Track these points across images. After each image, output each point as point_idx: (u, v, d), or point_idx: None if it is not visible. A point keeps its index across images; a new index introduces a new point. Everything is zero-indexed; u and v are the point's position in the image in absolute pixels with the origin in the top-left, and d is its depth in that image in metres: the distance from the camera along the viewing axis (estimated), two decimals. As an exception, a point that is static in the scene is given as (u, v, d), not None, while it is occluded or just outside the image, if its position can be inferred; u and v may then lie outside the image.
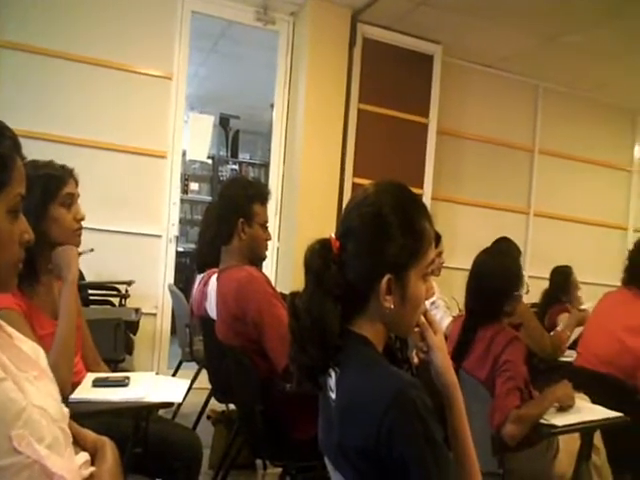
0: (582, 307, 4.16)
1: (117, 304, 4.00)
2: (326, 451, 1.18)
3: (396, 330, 1.20)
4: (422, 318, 1.18)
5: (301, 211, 4.40)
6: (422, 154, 4.96)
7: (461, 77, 5.30)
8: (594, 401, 2.40)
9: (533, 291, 3.57)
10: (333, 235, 1.14)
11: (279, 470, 2.24)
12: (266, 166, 5.89)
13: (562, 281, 4.48)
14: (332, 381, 1.12)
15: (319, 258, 1.11)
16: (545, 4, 4.10)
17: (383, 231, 1.10)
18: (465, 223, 5.26)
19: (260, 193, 2.39)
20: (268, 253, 2.58)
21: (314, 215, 4.34)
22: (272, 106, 4.96)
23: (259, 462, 2.98)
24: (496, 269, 2.36)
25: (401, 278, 1.10)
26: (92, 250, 2.02)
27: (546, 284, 4.57)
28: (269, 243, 2.47)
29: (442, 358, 1.19)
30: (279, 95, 4.80)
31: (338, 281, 1.09)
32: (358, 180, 4.60)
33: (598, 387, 2.54)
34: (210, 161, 7.78)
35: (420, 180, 4.90)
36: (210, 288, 2.87)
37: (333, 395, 1.11)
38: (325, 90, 4.51)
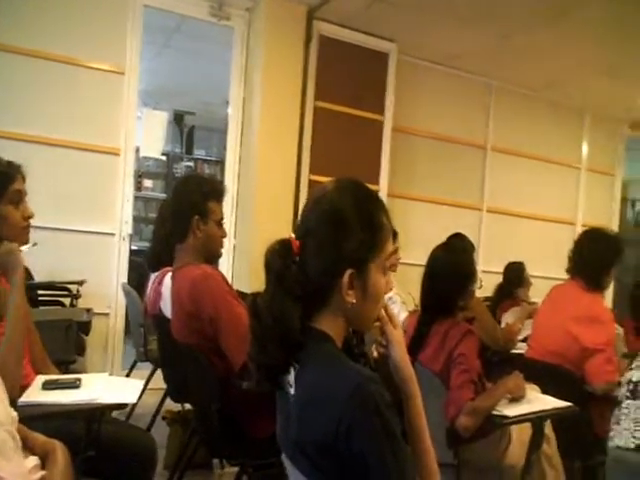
0: (532, 300, 4.29)
1: (68, 304, 3.90)
2: (284, 448, 1.18)
3: (357, 325, 1.20)
4: (382, 312, 1.20)
5: (257, 208, 4.39)
6: (378, 151, 5.00)
7: (416, 75, 5.36)
8: (545, 392, 2.47)
9: (486, 286, 3.65)
10: (293, 235, 1.15)
11: (236, 469, 2.22)
12: (222, 163, 5.84)
13: (515, 276, 4.61)
14: (291, 377, 1.12)
15: (279, 258, 1.12)
16: (497, 4, 4.18)
17: (342, 227, 1.11)
18: (420, 219, 5.33)
19: (215, 190, 2.36)
20: (224, 251, 2.56)
21: (271, 212, 4.33)
22: (228, 102, 4.92)
23: (216, 461, 2.97)
24: (450, 265, 2.40)
25: (362, 272, 1.11)
26: (35, 245, 1.95)
27: (499, 279, 4.69)
28: (225, 241, 2.45)
29: (401, 352, 1.20)
30: (235, 91, 4.76)
31: (299, 280, 1.09)
32: (315, 177, 4.61)
33: (548, 378, 2.61)
34: (164, 158, 7.67)
35: (376, 177, 4.95)
36: (165, 287, 2.83)
37: (292, 390, 1.11)
38: (281, 87, 4.49)
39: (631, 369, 1.48)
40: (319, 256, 1.11)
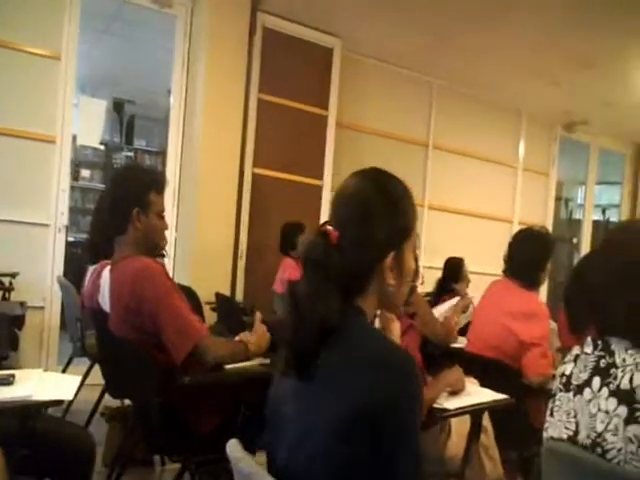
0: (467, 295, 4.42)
1: (0, 298, 3.75)
2: (282, 444, 1.13)
3: (388, 305, 1.27)
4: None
5: (200, 201, 4.32)
6: (322, 146, 5.01)
7: (360, 71, 5.39)
8: (483, 384, 2.54)
9: (428, 281, 3.73)
10: (329, 227, 1.17)
11: (178, 465, 2.19)
12: (163, 154, 5.72)
13: (453, 272, 4.72)
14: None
15: (320, 247, 1.14)
16: (437, 4, 4.26)
17: (377, 217, 1.17)
18: (363, 215, 5.37)
19: (156, 181, 2.31)
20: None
21: (213, 205, 4.28)
22: (169, 92, 4.82)
23: (157, 458, 2.92)
24: None
25: (399, 254, 1.18)
26: None
27: (439, 274, 4.78)
28: (166, 233, 2.40)
29: None
30: (177, 81, 4.67)
31: (340, 267, 1.12)
32: (258, 170, 4.58)
33: (486, 371, 2.69)
34: (103, 147, 7.44)
35: (320, 172, 4.96)
36: (103, 280, 2.75)
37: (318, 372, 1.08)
38: (224, 78, 4.43)
39: (564, 363, 1.53)
40: (359, 246, 1.14)
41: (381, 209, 1.17)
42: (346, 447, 1.02)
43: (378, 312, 1.43)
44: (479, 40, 4.75)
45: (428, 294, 4.58)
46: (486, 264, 5.11)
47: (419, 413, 1.04)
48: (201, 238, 4.26)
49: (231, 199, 4.42)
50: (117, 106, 7.51)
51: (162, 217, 2.33)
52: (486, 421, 2.47)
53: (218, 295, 4.03)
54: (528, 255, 2.99)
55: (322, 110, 5.00)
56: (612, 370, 1.35)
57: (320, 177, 4.94)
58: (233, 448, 1.16)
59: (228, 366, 2.07)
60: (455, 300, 4.31)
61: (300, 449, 1.09)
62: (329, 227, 1.17)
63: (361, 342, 1.10)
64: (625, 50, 4.59)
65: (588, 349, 1.45)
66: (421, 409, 1.04)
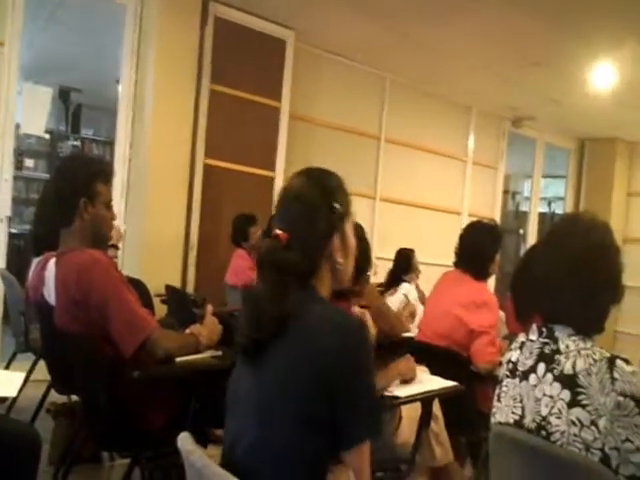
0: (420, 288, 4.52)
1: (-63, 292, 3.60)
2: (251, 411, 1.23)
3: (340, 281, 1.38)
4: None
5: (149, 192, 4.24)
6: (274, 138, 4.98)
7: (314, 64, 5.38)
8: (433, 372, 2.58)
9: (380, 272, 3.77)
10: (278, 231, 1.29)
11: (127, 461, 2.15)
12: (111, 144, 5.58)
13: (404, 263, 4.79)
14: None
15: (274, 252, 1.27)
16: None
17: (319, 210, 1.30)
18: (316, 207, 5.38)
19: (103, 171, 2.25)
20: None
21: (163, 196, 4.20)
22: (118, 81, 4.70)
23: (105, 454, 2.86)
24: None
25: (342, 235, 1.34)
26: None
27: (391, 265, 4.84)
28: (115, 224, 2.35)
29: None
30: (126, 70, 4.55)
31: (293, 265, 1.25)
32: (210, 161, 4.52)
33: (436, 359, 2.74)
34: (48, 136, 7.21)
35: (272, 163, 4.93)
36: (49, 272, 2.66)
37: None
38: (175, 68, 4.35)
39: (510, 350, 1.58)
40: (309, 239, 1.28)
41: (322, 204, 1.31)
42: (310, 405, 1.16)
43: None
44: (432, 36, 4.80)
45: (380, 285, 4.63)
46: (436, 255, 5.20)
47: (372, 361, 1.23)
48: (151, 229, 4.18)
49: (182, 190, 4.35)
50: (63, 94, 7.29)
51: (110, 207, 2.28)
52: (436, 408, 2.52)
53: (168, 287, 3.96)
54: (478, 247, 3.06)
55: (275, 102, 4.97)
56: (556, 356, 1.39)
57: (272, 169, 4.91)
58: (184, 442, 1.15)
59: (179, 359, 2.05)
60: (401, 294, 4.40)
61: (265, 425, 1.20)
62: (278, 231, 1.29)
63: (317, 315, 1.24)
64: (571, 51, 4.72)
65: (533, 336, 1.49)
66: (371, 362, 1.22)
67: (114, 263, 2.26)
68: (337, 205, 1.32)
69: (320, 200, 1.32)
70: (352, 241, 1.38)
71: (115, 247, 2.94)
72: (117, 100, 4.66)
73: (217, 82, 4.62)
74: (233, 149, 4.62)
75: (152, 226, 4.20)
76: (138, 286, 2.41)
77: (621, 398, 1.26)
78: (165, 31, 4.30)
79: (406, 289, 4.53)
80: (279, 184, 4.84)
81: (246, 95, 4.77)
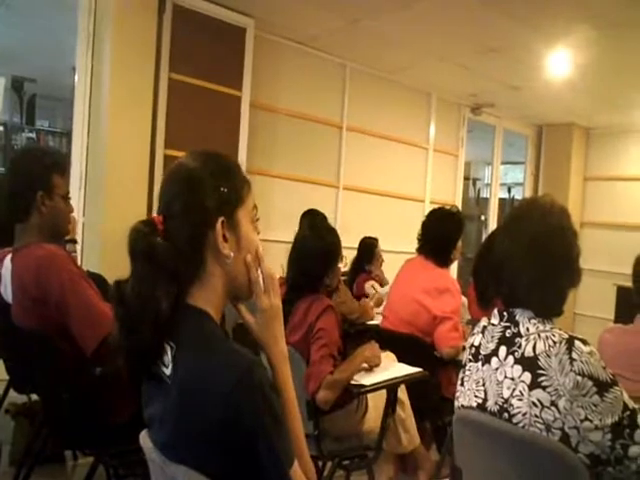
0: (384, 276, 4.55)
1: None
2: (154, 439, 1.11)
3: (235, 288, 1.17)
4: (255, 274, 1.17)
5: (108, 184, 4.15)
6: (236, 127, 4.92)
7: (274, 52, 5.33)
8: (398, 359, 2.61)
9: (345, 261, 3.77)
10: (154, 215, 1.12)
11: (91, 459, 2.11)
12: (68, 135, 5.44)
13: (368, 252, 4.82)
14: (167, 357, 1.06)
15: (144, 237, 1.08)
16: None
17: (200, 184, 1.11)
18: (280, 197, 5.36)
19: (58, 162, 2.20)
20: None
21: (123, 188, 4.12)
22: (74, 70, 4.57)
23: (68, 453, 2.81)
24: (320, 246, 2.44)
25: (232, 220, 1.12)
26: None
27: (355, 254, 4.86)
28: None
29: (264, 319, 1.19)
30: (81, 59, 4.42)
31: (169, 254, 1.06)
32: (170, 152, 4.44)
33: (401, 346, 2.77)
34: (1, 128, 7.00)
35: (234, 153, 4.87)
36: (4, 269, 2.59)
37: (168, 371, 1.05)
38: (132, 57, 4.25)
39: (473, 334, 1.60)
40: (185, 220, 1.09)
41: (204, 176, 1.12)
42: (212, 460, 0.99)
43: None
44: (390, 24, 4.79)
45: (344, 274, 4.65)
46: (400, 243, 5.24)
47: (272, 414, 0.99)
48: (111, 222, 4.09)
49: (142, 181, 4.27)
50: (17, 84, 7.07)
51: (67, 200, 2.23)
52: (403, 394, 2.55)
53: (131, 281, 3.89)
54: (440, 233, 3.10)
55: (236, 91, 4.90)
56: (517, 339, 1.42)
57: (235, 158, 4.86)
58: (146, 438, 1.13)
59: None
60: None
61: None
62: (154, 215, 1.12)
63: (197, 361, 1.03)
64: (525, 38, 4.77)
65: (495, 320, 1.51)
66: (271, 409, 0.99)
67: (73, 258, 2.21)
68: (225, 189, 1.13)
69: (204, 173, 1.13)
70: (250, 236, 1.17)
71: (73, 241, 2.87)
72: (73, 90, 4.54)
73: (176, 71, 4.54)
74: (194, 139, 4.55)
75: (112, 219, 4.11)
76: (99, 281, 2.35)
77: (579, 378, 1.29)
78: (121, 18, 4.19)
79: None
80: (242, 174, 4.80)
81: (206, 84, 4.70)
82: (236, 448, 0.97)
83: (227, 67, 4.86)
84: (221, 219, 1.10)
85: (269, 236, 4.36)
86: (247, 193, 1.19)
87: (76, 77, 4.49)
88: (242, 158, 4.93)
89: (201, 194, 1.11)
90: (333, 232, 2.60)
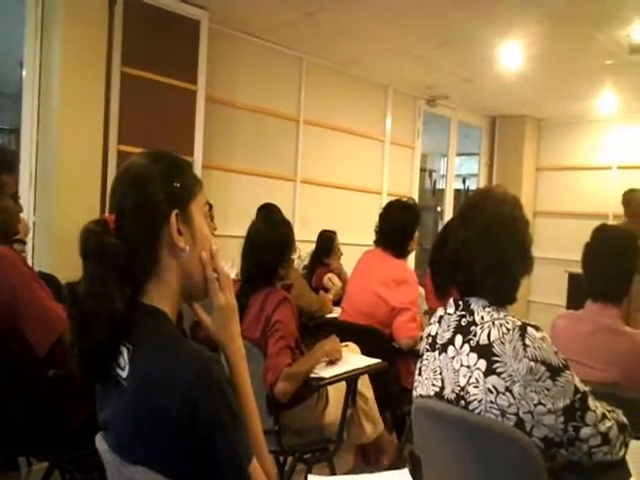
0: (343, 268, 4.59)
1: None
2: (110, 440, 1.09)
3: (191, 286, 1.16)
4: (210, 270, 1.16)
5: (60, 181, 4.04)
6: (191, 122, 4.86)
7: (230, 45, 5.27)
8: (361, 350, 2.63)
9: (302, 255, 3.77)
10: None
11: (46, 464, 2.06)
12: (17, 132, 5.28)
13: (326, 245, 4.83)
14: (123, 359, 1.04)
15: (96, 236, 1.07)
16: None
17: (150, 181, 1.11)
18: (237, 191, 5.32)
19: (6, 161, 2.13)
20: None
21: (75, 185, 4.02)
22: (22, 64, 4.43)
23: (22, 459, 2.72)
24: (273, 238, 2.43)
25: (185, 213, 1.13)
26: None
27: (313, 247, 4.87)
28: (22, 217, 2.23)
29: (220, 317, 1.19)
30: (30, 53, 4.28)
31: (121, 253, 1.06)
32: (124, 148, 4.35)
33: (360, 338, 2.79)
34: (-55, 126, 6.76)
35: (190, 148, 4.81)
36: (-49, 271, 2.50)
37: (124, 374, 1.04)
38: (83, 50, 4.14)
39: (430, 324, 1.62)
40: (138, 216, 1.09)
41: (155, 173, 1.12)
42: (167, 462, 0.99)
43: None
44: (345, 17, 4.79)
45: (304, 267, 4.65)
46: (358, 235, 5.26)
47: (230, 410, 1.00)
48: (63, 221, 3.98)
49: (95, 178, 4.17)
50: (-40, 80, 6.82)
51: (16, 199, 2.16)
52: (365, 386, 2.57)
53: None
54: (397, 225, 3.13)
55: (191, 85, 4.83)
56: (472, 328, 1.44)
57: (191, 153, 4.79)
58: (101, 441, 1.11)
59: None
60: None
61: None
62: (107, 215, 1.12)
63: (152, 361, 1.02)
64: (477, 30, 4.83)
65: (451, 310, 1.53)
66: (229, 405, 1.00)
67: (23, 258, 2.15)
68: (177, 184, 1.13)
69: (155, 170, 1.13)
70: (204, 230, 1.16)
71: (22, 242, 2.79)
72: (21, 85, 4.40)
73: (129, 64, 4.44)
74: (148, 134, 4.47)
75: (63, 217, 4.00)
76: (51, 281, 2.30)
77: (532, 363, 1.32)
78: (72, 11, 4.07)
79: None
80: (198, 170, 4.74)
81: (160, 78, 4.61)
82: (194, 444, 0.97)
83: (181, 60, 4.78)
84: (175, 212, 1.10)
85: (227, 231, 4.32)
86: (199, 189, 1.19)
87: (24, 72, 4.35)
88: (198, 152, 4.87)
89: (152, 189, 1.11)
90: (286, 224, 2.60)
